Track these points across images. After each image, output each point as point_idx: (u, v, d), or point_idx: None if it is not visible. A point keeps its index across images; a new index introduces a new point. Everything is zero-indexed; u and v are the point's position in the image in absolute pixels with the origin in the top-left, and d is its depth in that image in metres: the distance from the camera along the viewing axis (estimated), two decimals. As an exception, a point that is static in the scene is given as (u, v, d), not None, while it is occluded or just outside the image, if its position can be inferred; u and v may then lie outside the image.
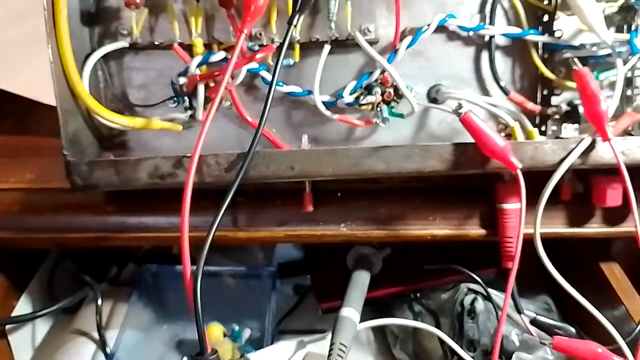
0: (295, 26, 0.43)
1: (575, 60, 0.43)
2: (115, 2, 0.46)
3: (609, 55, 0.45)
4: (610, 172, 0.45)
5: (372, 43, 0.47)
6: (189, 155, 0.41)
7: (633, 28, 0.45)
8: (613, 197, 0.46)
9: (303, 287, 0.65)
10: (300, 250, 0.70)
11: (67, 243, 0.50)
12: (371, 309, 0.59)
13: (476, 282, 0.54)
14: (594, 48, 0.46)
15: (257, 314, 0.57)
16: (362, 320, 0.49)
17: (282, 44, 0.42)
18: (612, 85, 0.48)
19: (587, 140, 0.42)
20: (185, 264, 0.36)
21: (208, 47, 0.46)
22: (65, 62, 0.41)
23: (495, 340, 0.42)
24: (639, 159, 0.43)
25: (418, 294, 0.58)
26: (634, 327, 0.48)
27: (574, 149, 0.42)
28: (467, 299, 0.53)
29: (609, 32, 0.45)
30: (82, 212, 0.50)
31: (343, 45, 0.47)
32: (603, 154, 0.43)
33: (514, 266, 0.43)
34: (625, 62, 0.45)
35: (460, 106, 0.41)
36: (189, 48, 0.46)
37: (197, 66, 0.45)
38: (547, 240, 0.46)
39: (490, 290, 0.53)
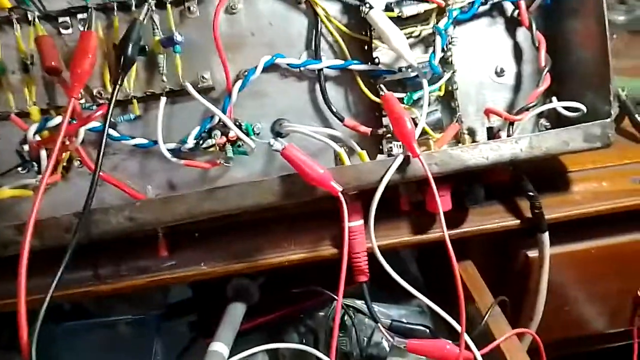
0: (121, 85, 0.46)
1: (381, 85, 0.46)
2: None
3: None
4: (442, 180, 0.49)
5: (209, 89, 0.50)
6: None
7: (431, 50, 0.49)
8: (443, 204, 0.50)
9: (196, 324, 0.66)
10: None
11: None
12: (262, 335, 0.61)
13: (348, 297, 0.57)
14: (409, 70, 0.50)
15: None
16: (252, 346, 0.51)
17: (109, 103, 0.44)
18: (438, 99, 0.53)
19: (400, 158, 0.46)
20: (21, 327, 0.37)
21: (47, 112, 0.48)
22: None
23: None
24: (453, 167, 0.47)
25: (301, 315, 0.61)
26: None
27: (389, 167, 0.46)
28: (338, 315, 0.56)
29: (414, 54, 0.49)
30: None
31: (182, 94, 0.49)
32: (418, 168, 0.46)
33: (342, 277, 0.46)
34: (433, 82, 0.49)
35: (270, 144, 0.43)
36: (28, 115, 0.48)
37: (36, 133, 0.46)
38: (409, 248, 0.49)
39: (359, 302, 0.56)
